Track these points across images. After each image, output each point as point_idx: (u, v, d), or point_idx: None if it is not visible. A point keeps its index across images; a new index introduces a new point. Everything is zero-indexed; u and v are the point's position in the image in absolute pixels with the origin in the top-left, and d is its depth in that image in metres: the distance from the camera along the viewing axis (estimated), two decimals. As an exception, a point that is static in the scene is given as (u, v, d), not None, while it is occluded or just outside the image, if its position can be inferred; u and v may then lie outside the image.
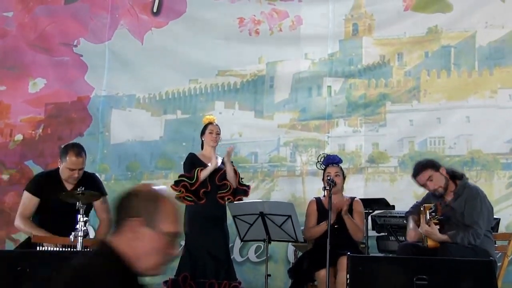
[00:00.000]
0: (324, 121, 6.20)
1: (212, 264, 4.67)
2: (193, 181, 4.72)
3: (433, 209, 3.98)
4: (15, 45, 7.17)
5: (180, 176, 4.84)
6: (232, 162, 5.03)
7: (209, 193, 4.76)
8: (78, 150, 4.30)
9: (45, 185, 4.33)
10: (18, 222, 4.28)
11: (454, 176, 4.23)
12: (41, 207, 4.31)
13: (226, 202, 4.80)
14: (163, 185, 6.14)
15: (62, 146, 4.48)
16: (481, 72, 5.86)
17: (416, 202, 4.57)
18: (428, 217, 3.97)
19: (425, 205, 4.11)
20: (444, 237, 4.00)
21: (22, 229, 4.28)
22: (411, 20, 6.12)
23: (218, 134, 4.95)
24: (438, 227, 4.04)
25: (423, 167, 4.19)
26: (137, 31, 6.88)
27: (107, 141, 6.75)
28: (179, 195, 4.74)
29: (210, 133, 4.91)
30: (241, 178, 4.94)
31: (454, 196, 4.15)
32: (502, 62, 5.81)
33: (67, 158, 4.25)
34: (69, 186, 4.32)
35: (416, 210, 4.35)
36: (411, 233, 4.29)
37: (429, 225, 4.00)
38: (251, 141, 6.39)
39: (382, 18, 6.24)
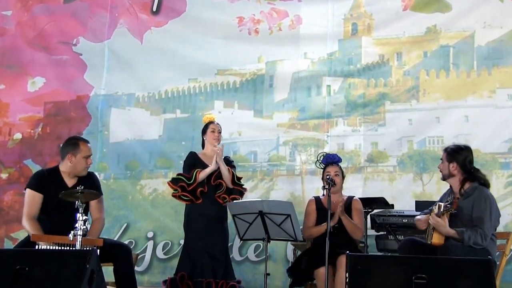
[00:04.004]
0: (323, 120, 6.21)
1: (209, 263, 4.67)
2: (191, 182, 4.72)
3: (449, 201, 3.96)
4: (14, 43, 7.18)
5: (179, 174, 4.83)
6: (233, 161, 5.03)
7: (207, 193, 4.76)
8: (84, 139, 4.48)
9: (47, 181, 4.31)
10: (24, 222, 4.24)
11: (472, 177, 4.19)
12: (41, 205, 4.27)
13: (223, 202, 4.79)
14: (162, 184, 6.17)
15: (67, 140, 4.45)
16: (479, 72, 5.87)
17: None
18: (442, 209, 3.96)
19: (439, 203, 4.11)
20: (452, 231, 3.97)
21: (28, 231, 4.25)
22: (410, 20, 6.14)
23: (220, 132, 4.94)
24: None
25: (445, 150, 4.29)
26: (136, 30, 6.88)
27: (106, 140, 6.76)
28: (175, 194, 4.75)
29: (212, 131, 4.90)
30: (239, 178, 4.91)
31: (464, 195, 4.15)
32: (501, 62, 5.82)
33: (81, 147, 4.32)
34: (69, 183, 4.32)
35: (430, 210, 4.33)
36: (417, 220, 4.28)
37: (441, 218, 3.98)
38: (250, 140, 6.39)
39: (381, 18, 6.25)
